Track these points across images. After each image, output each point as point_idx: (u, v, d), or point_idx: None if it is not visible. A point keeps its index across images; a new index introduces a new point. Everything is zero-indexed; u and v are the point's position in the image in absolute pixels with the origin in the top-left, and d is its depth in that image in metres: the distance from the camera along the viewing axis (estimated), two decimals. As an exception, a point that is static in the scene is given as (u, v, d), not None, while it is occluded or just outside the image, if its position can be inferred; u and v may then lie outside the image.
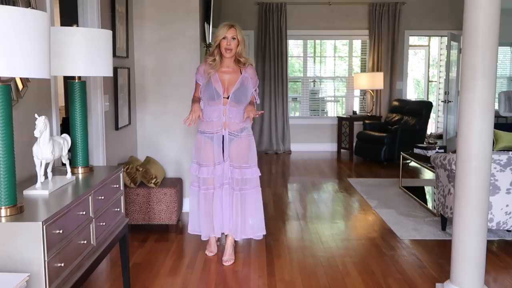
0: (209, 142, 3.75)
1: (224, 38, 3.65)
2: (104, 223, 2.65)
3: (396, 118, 8.48)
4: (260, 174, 3.89)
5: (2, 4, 2.42)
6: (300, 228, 4.76)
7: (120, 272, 3.31)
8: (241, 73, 3.74)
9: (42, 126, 2.29)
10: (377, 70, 9.02)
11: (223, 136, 3.75)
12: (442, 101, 9.27)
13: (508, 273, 3.68)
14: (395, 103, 8.77)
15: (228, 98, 3.69)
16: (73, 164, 2.80)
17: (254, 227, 3.91)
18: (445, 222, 4.53)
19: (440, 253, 4.00)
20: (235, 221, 3.85)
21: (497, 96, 9.28)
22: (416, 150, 6.21)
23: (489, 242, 3.95)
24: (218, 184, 3.80)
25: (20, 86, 2.63)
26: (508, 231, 4.43)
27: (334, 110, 10.00)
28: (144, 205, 4.38)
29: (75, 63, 2.60)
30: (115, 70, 4.22)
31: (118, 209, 2.95)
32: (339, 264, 3.80)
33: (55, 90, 3.13)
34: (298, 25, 9.05)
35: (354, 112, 9.28)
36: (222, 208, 3.82)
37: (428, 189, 6.27)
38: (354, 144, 8.65)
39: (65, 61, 2.58)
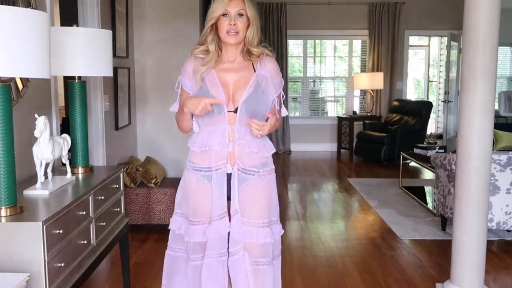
0: (205, 185, 2.24)
1: (224, 14, 2.16)
2: (104, 223, 2.65)
3: (396, 118, 8.48)
4: (283, 232, 2.39)
5: (2, 4, 2.42)
6: (300, 228, 4.76)
7: (120, 272, 3.31)
8: (254, 71, 2.24)
9: (42, 126, 2.29)
10: (377, 70, 9.01)
11: (228, 174, 2.24)
12: (442, 101, 9.27)
13: (508, 273, 3.68)
14: (395, 103, 8.77)
15: (236, 111, 2.19)
16: (73, 164, 2.80)
17: None
18: (445, 222, 4.53)
19: (440, 253, 4.00)
20: None
21: (497, 96, 9.27)
22: (416, 150, 6.21)
23: (489, 242, 3.95)
24: (215, 253, 2.23)
25: (20, 86, 2.63)
26: (508, 231, 4.43)
27: (334, 110, 9.99)
28: (144, 205, 4.38)
29: (75, 63, 2.61)
30: (115, 70, 4.22)
31: (118, 209, 2.95)
32: (339, 264, 3.80)
33: (55, 90, 3.13)
34: (298, 25, 9.04)
35: (354, 112, 9.28)
36: None
37: (428, 189, 6.27)
38: (354, 144, 8.65)
39: (65, 61, 2.59)
